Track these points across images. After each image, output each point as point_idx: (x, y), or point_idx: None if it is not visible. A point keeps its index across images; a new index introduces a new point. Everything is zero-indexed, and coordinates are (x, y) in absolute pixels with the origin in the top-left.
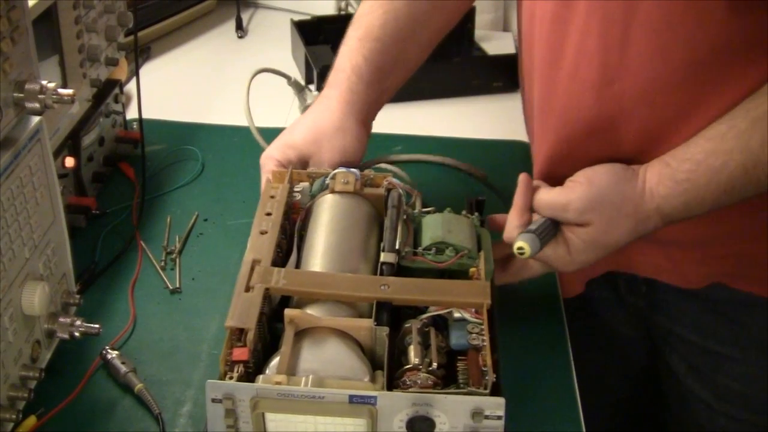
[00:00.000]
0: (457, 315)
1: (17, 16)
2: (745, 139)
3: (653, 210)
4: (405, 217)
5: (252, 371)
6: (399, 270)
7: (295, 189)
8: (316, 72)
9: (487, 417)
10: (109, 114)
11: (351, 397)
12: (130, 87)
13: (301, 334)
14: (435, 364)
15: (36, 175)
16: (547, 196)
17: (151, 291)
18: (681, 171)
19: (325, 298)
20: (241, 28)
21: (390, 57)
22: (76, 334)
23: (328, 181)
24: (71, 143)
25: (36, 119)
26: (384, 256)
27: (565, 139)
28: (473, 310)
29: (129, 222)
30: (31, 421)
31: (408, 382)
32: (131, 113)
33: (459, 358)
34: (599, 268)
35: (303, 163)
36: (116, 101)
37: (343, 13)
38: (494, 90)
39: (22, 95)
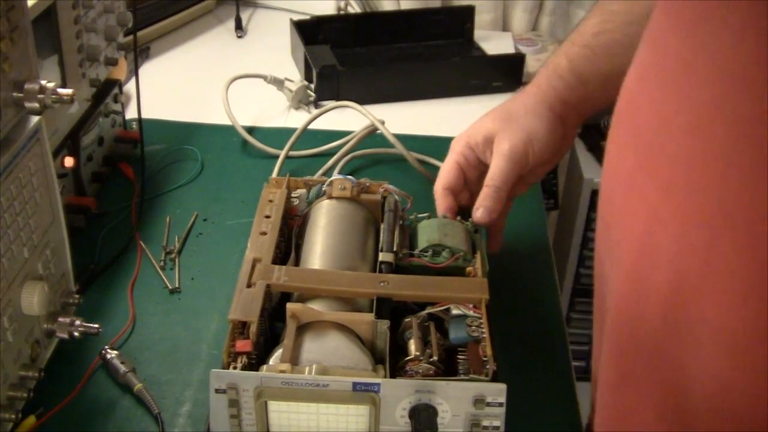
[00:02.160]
0: (455, 312)
1: (17, 15)
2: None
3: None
4: (401, 222)
5: (255, 363)
6: (397, 271)
7: (293, 195)
8: (316, 72)
9: (489, 404)
10: (108, 114)
11: (355, 384)
12: (130, 87)
13: (302, 328)
14: (435, 357)
15: (35, 174)
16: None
17: (150, 291)
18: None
19: (325, 294)
20: (240, 28)
21: (596, 68)
22: (76, 334)
23: (325, 187)
24: (70, 143)
25: (35, 119)
26: (382, 256)
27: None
28: (471, 306)
29: (128, 222)
30: (31, 421)
31: (410, 371)
32: (130, 113)
33: (459, 350)
34: None
35: (488, 141)
36: (115, 101)
37: (342, 13)
38: (494, 90)
39: (21, 95)
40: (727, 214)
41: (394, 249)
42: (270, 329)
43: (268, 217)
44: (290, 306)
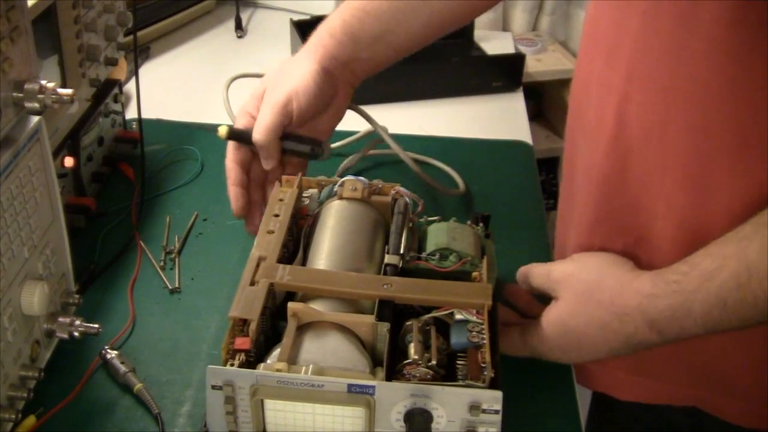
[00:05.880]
0: (458, 317)
1: (17, 15)
2: (745, 244)
3: (634, 308)
4: (411, 224)
5: (253, 361)
6: (403, 273)
7: (304, 195)
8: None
9: (484, 411)
10: (108, 114)
11: (350, 386)
12: (130, 87)
13: (303, 328)
14: (434, 361)
15: (35, 174)
16: (539, 266)
17: (150, 291)
18: (674, 271)
19: (328, 294)
20: (240, 28)
21: (366, 28)
22: (76, 333)
23: (336, 188)
24: (70, 143)
25: (35, 119)
26: (388, 258)
27: (603, 209)
28: (474, 311)
29: (128, 222)
30: (31, 420)
31: (407, 375)
32: (130, 113)
33: (459, 355)
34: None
35: (260, 98)
36: (115, 101)
37: None
38: (494, 90)
39: (21, 95)
40: (676, 83)
41: (401, 251)
42: (273, 328)
43: (276, 216)
44: (291, 305)
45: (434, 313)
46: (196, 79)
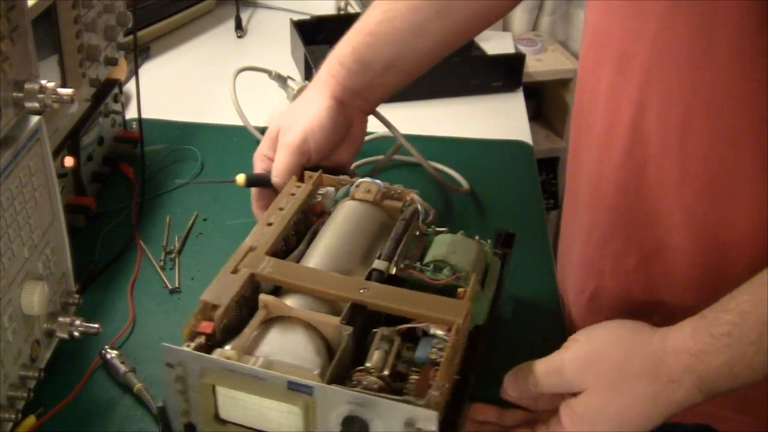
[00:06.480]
0: (432, 331)
1: (16, 15)
2: None
3: (682, 371)
4: (418, 232)
5: (212, 345)
6: (395, 281)
7: (319, 191)
8: (316, 72)
9: (419, 430)
10: (108, 114)
11: (289, 383)
12: (130, 87)
13: (272, 321)
14: (387, 371)
15: (35, 174)
16: (542, 365)
17: (150, 291)
18: (720, 323)
19: (304, 291)
20: (240, 28)
21: (378, 55)
22: (76, 333)
23: (352, 189)
24: (70, 143)
25: (35, 119)
26: (376, 263)
27: (616, 222)
28: (447, 327)
29: (128, 222)
30: (31, 420)
31: (354, 381)
32: (130, 113)
33: (413, 369)
34: None
35: (276, 138)
36: (115, 101)
37: (342, 12)
38: (494, 90)
39: (21, 95)
40: (697, 91)
41: (395, 258)
42: (251, 317)
43: (281, 209)
44: (262, 297)
45: (406, 325)
46: (196, 79)
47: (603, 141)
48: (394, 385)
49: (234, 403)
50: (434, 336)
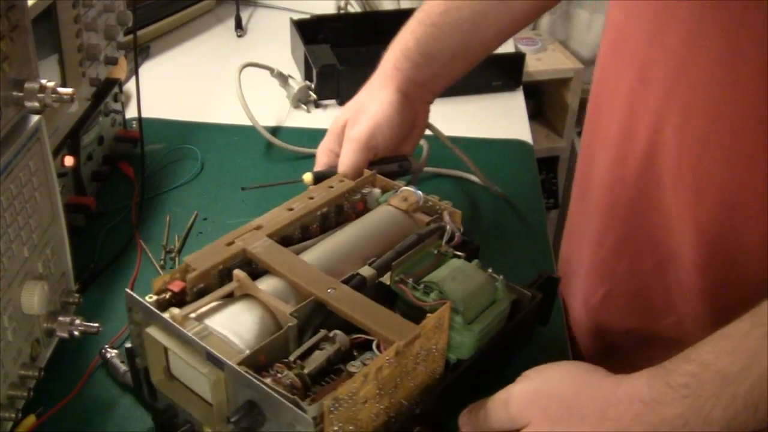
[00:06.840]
0: (374, 346)
1: (17, 15)
2: None
3: (631, 419)
4: (437, 251)
5: (176, 304)
6: (387, 293)
7: (363, 190)
8: (316, 71)
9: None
10: (108, 113)
11: (208, 354)
12: (130, 86)
13: (241, 297)
14: (306, 370)
15: (35, 174)
16: (491, 400)
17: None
18: (679, 373)
19: (280, 276)
20: (240, 27)
21: (444, 45)
22: (76, 333)
23: (392, 194)
24: (70, 142)
25: (35, 118)
26: (362, 269)
27: (633, 225)
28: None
29: (128, 221)
30: (31, 420)
31: (273, 372)
32: (131, 112)
33: (332, 376)
34: None
35: (342, 132)
36: (115, 100)
37: (342, 12)
38: (494, 89)
39: (21, 94)
40: (721, 106)
41: (393, 270)
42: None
43: (311, 198)
44: (236, 272)
45: (357, 335)
46: (196, 78)
47: (619, 147)
48: (314, 387)
49: (181, 364)
50: (373, 351)
